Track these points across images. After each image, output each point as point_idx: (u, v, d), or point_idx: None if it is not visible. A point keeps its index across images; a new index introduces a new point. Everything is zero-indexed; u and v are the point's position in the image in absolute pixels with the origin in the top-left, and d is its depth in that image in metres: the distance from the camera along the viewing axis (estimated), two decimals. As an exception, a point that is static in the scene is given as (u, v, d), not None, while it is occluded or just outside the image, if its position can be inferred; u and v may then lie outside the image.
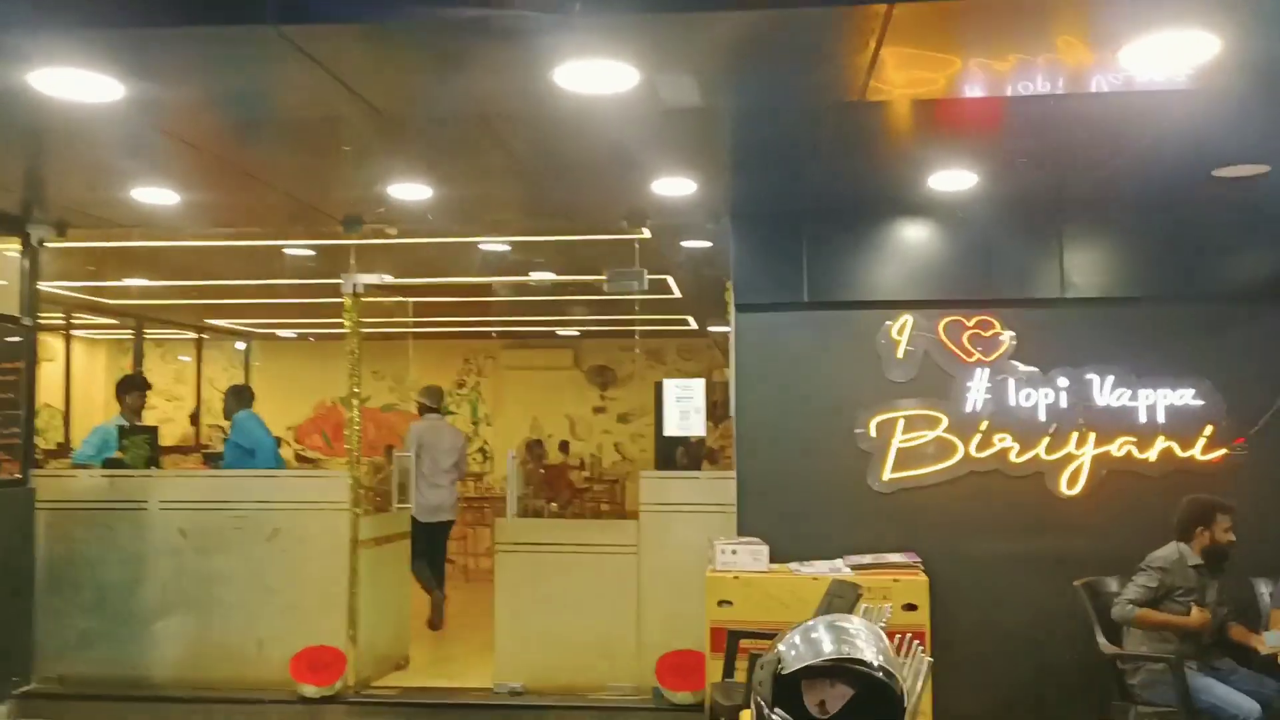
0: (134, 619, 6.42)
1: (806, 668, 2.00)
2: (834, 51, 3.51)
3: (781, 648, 2.07)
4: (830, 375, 5.93)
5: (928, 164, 5.05)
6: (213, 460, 8.57)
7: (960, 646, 5.46)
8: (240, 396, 7.63)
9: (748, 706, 4.76)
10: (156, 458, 7.04)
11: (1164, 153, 4.82)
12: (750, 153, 4.92)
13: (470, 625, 8.17)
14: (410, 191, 5.58)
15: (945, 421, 5.82)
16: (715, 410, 8.33)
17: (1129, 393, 5.73)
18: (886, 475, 5.85)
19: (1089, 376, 5.76)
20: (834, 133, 4.58)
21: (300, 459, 13.30)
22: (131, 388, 7.36)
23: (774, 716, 2.00)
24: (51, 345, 11.21)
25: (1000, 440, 5.78)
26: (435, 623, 8.24)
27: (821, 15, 3.23)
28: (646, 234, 6.89)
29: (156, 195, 5.68)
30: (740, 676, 5.13)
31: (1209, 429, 5.67)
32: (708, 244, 6.95)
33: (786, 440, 5.94)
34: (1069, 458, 5.74)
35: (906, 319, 5.87)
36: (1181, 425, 5.69)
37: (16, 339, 6.38)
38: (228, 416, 7.62)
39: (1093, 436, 5.73)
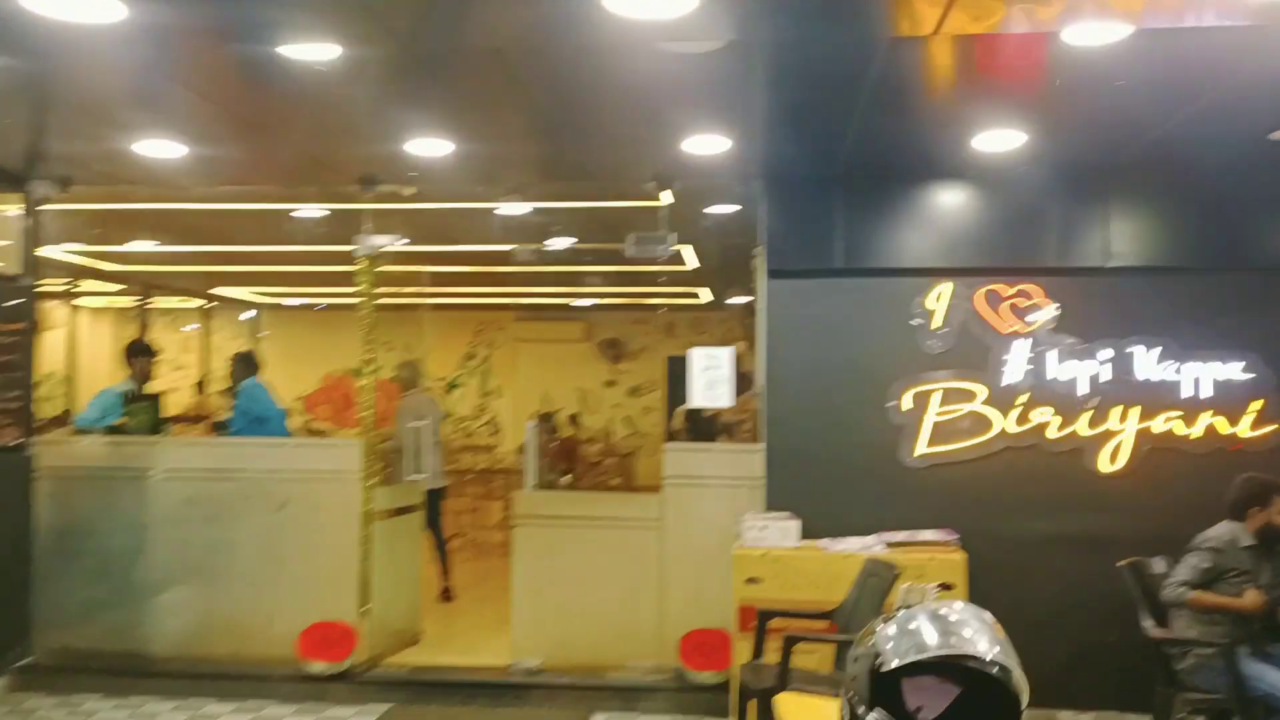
0: (137, 590, 6.23)
1: (913, 663, 1.76)
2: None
3: (877, 640, 1.83)
4: (863, 345, 5.70)
5: (974, 121, 4.80)
6: (221, 429, 8.38)
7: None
8: (248, 363, 7.43)
9: (780, 689, 4.58)
10: (161, 424, 6.84)
11: (1220, 114, 4.56)
12: (790, 106, 4.67)
13: (484, 600, 7.98)
14: (429, 147, 5.33)
15: (982, 394, 5.60)
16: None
17: (1174, 365, 5.50)
18: (920, 450, 5.63)
19: (1132, 349, 5.53)
20: (879, 83, 4.31)
21: (309, 430, 13.12)
22: (140, 352, 7.16)
23: (873, 717, 1.77)
24: (57, 313, 11.00)
25: (1039, 415, 5.55)
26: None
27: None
28: (668, 199, 6.65)
29: (161, 148, 5.44)
30: (770, 657, 4.93)
31: (1258, 404, 5.44)
32: (735, 208, 6.70)
33: (817, 412, 5.72)
34: (1110, 433, 5.52)
35: (944, 287, 5.64)
36: (1228, 400, 5.46)
37: (18, 300, 6.16)
38: (234, 383, 7.41)
39: (1135, 411, 5.51)
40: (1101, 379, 5.52)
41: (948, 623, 1.81)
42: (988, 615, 1.87)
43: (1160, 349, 5.50)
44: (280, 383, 8.05)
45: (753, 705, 4.75)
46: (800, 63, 4.17)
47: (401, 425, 7.66)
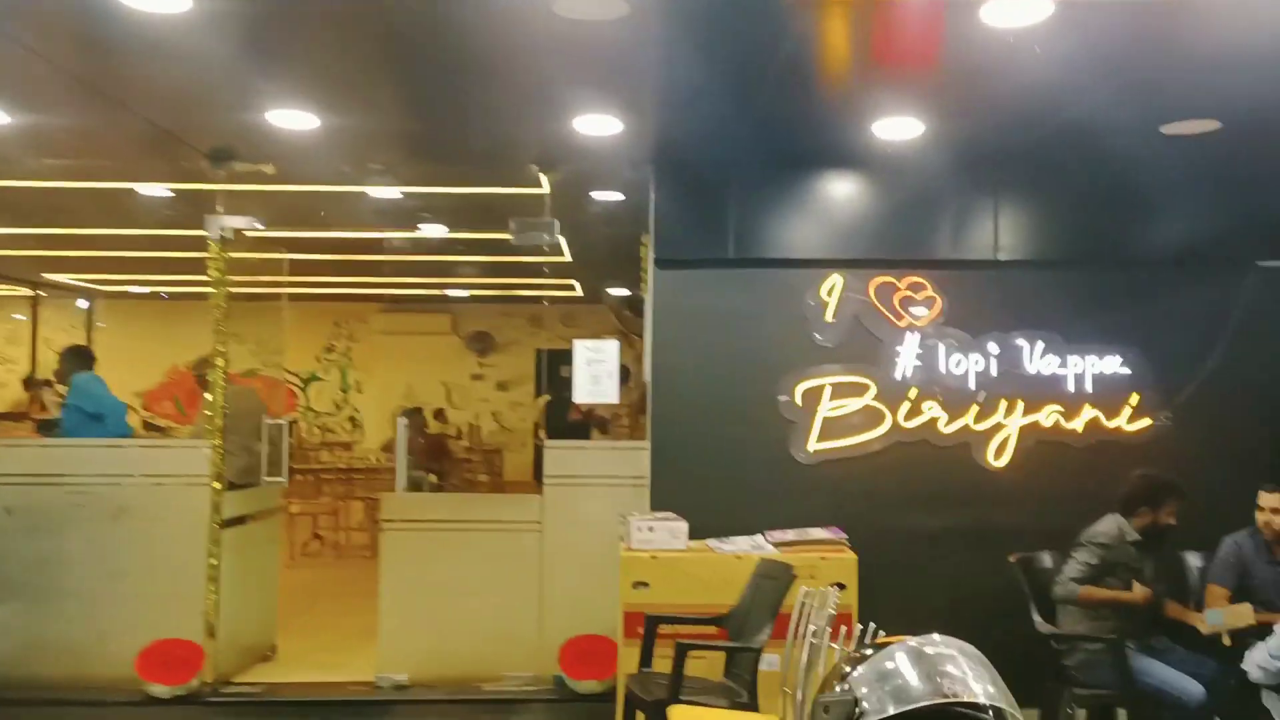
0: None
1: (901, 715, 1.50)
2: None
3: (851, 686, 1.56)
4: (754, 338, 5.51)
5: (876, 107, 4.64)
6: (47, 429, 7.63)
7: (885, 625, 5.11)
8: (79, 357, 6.74)
9: (672, 700, 4.33)
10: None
11: (1116, 106, 4.54)
12: (688, 86, 4.40)
13: (346, 609, 7.49)
14: (291, 119, 4.86)
15: (874, 389, 5.48)
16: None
17: (1058, 360, 5.50)
18: (812, 446, 5.48)
19: (1019, 343, 5.51)
20: (784, 64, 4.10)
21: (149, 427, 12.24)
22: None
23: None
24: None
25: (929, 409, 5.47)
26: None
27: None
28: (550, 185, 6.34)
29: (-21, 114, 4.81)
30: (660, 665, 4.68)
31: (1135, 398, 5.49)
32: (620, 196, 6.43)
33: (706, 408, 5.50)
34: (997, 427, 5.48)
35: (836, 279, 5.50)
36: (1109, 394, 5.50)
37: None
38: (63, 380, 6.72)
39: (1021, 405, 5.48)
40: (990, 373, 5.48)
41: (930, 661, 1.57)
42: (968, 647, 1.63)
43: (1044, 343, 5.49)
44: (119, 377, 7.38)
45: (641, 717, 4.49)
46: (703, 38, 3.91)
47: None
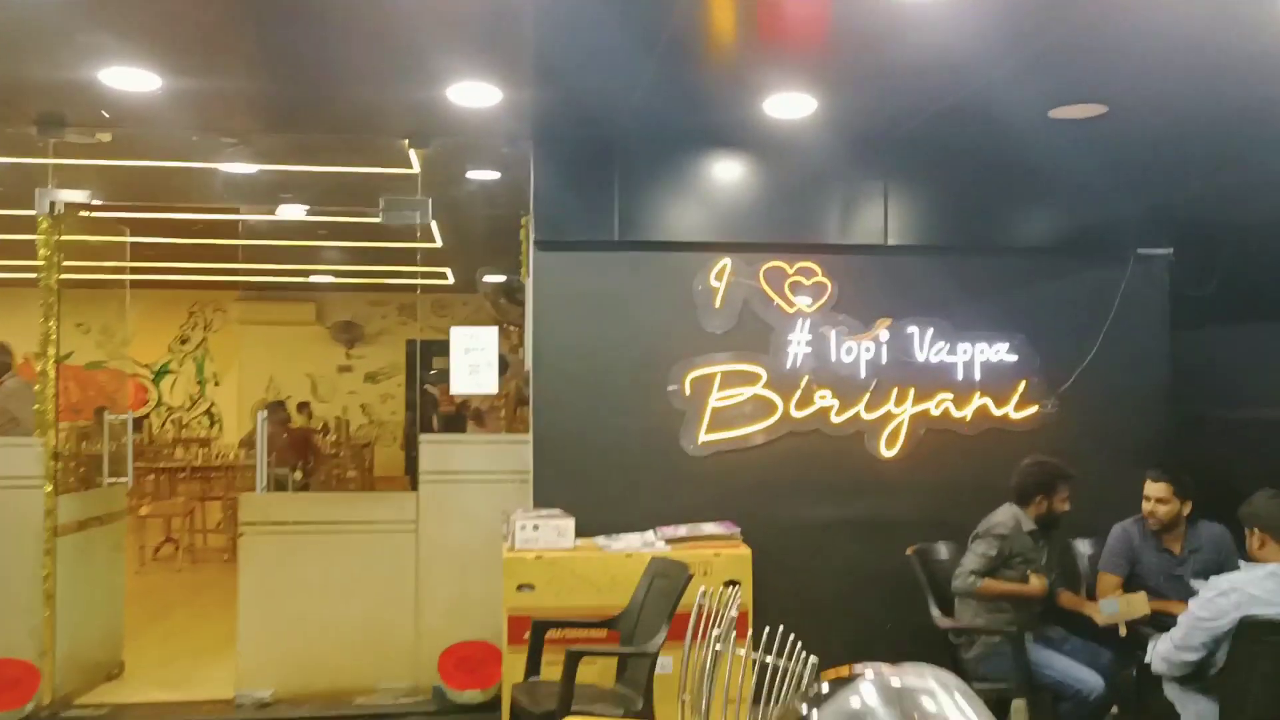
0: None
1: None
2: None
3: None
4: (642, 325, 5.26)
5: (767, 83, 4.42)
6: None
7: (779, 619, 4.94)
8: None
9: (563, 711, 4.05)
10: None
11: (1007, 88, 4.44)
12: (575, 53, 4.10)
13: (203, 618, 6.97)
14: (130, 79, 4.35)
15: (764, 377, 5.30)
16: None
17: (948, 347, 5.43)
18: (702, 437, 5.26)
19: (910, 330, 5.41)
20: (676, 32, 3.85)
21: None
22: None
23: None
24: None
25: (821, 398, 5.33)
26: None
27: None
28: (421, 163, 5.96)
29: None
30: (548, 673, 4.40)
31: (1022, 385, 5.46)
32: (496, 174, 6.08)
33: (591, 398, 5.23)
34: (888, 416, 5.38)
35: (726, 263, 5.29)
36: (997, 382, 5.45)
37: None
38: None
39: (911, 393, 5.39)
40: (881, 361, 5.37)
41: (904, 698, 1.33)
42: (940, 673, 1.41)
43: (934, 330, 5.41)
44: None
45: (529, 729, 4.21)
46: (589, 2, 3.62)
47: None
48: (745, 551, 4.84)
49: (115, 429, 5.77)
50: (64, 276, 5.41)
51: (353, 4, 3.62)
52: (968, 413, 5.41)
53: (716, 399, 5.27)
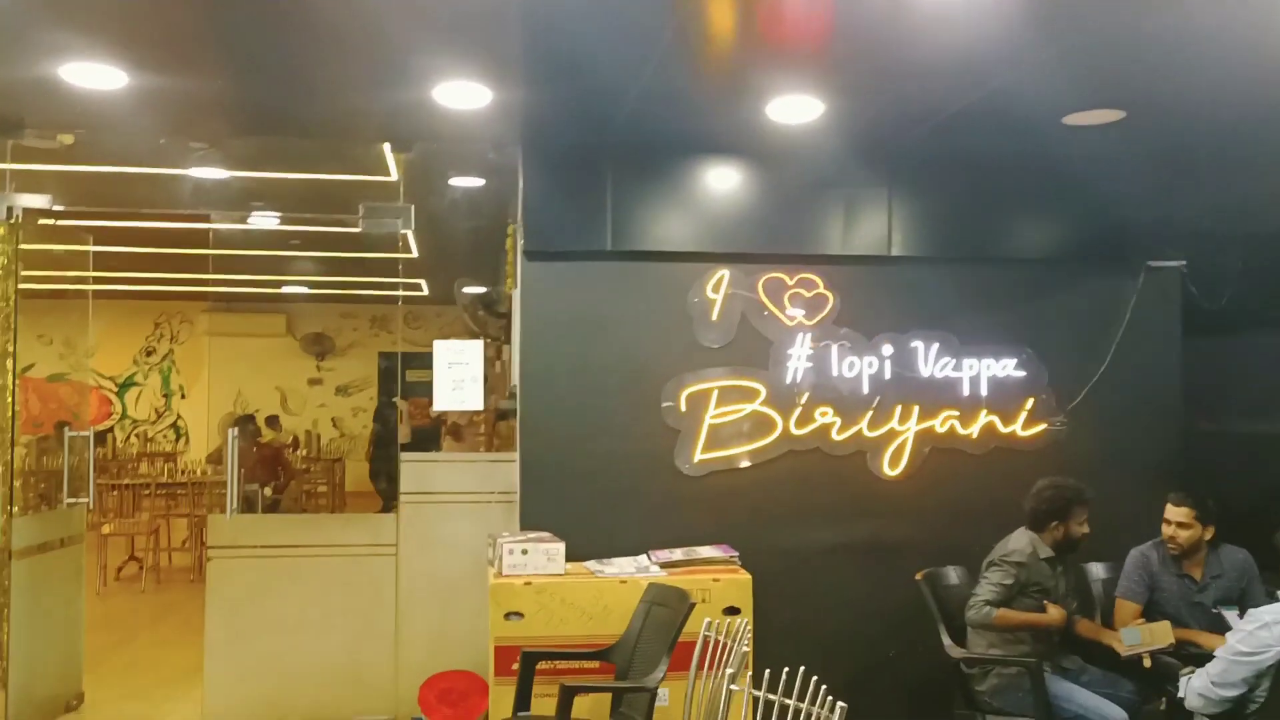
0: None
1: None
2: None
3: None
4: (635, 338, 5.01)
5: (769, 84, 4.19)
6: None
7: (778, 649, 4.70)
8: None
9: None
10: None
11: (1017, 93, 4.25)
12: (570, 54, 3.85)
13: (168, 644, 6.63)
14: (94, 75, 4.06)
15: (763, 393, 5.07)
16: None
17: (953, 362, 5.22)
18: (698, 456, 5.02)
19: (914, 344, 5.20)
20: (677, 32, 3.62)
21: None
22: None
23: None
24: None
25: (822, 415, 5.10)
26: None
27: None
28: (401, 170, 5.72)
29: None
30: (541, 708, 4.13)
31: (1030, 402, 5.26)
32: (480, 182, 5.82)
33: (582, 415, 4.97)
34: (892, 434, 5.16)
35: (723, 274, 5.06)
36: (1004, 398, 5.25)
37: None
38: None
39: (916, 410, 5.17)
40: (884, 376, 5.15)
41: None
42: None
43: (939, 345, 5.20)
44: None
45: (519, 770, 3.94)
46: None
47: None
48: (745, 577, 4.60)
49: (76, 445, 5.44)
50: (24, 286, 5.11)
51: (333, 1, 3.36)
52: (974, 430, 5.20)
53: (713, 416, 5.03)
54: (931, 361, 5.19)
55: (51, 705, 5.33)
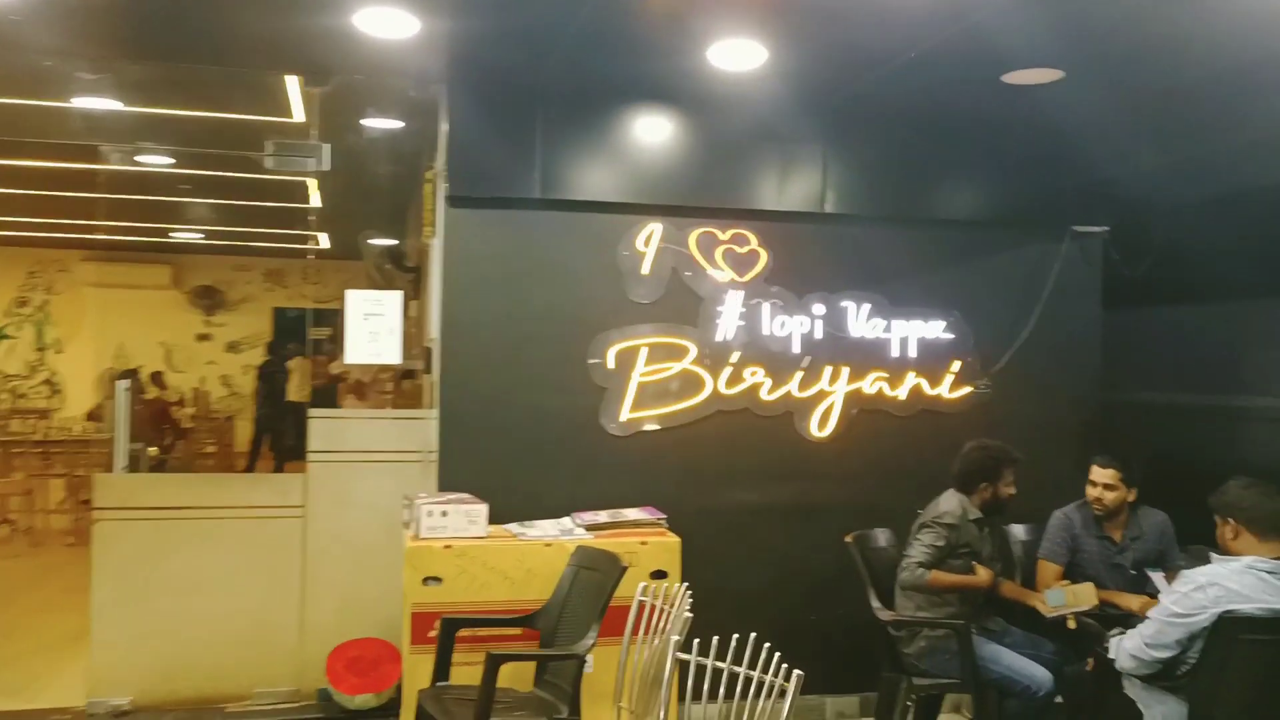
0: None
1: None
2: None
3: None
4: (562, 292, 4.80)
5: (714, 25, 4.00)
6: None
7: (703, 613, 4.60)
8: None
9: (483, 722, 3.59)
10: None
11: (959, 50, 4.16)
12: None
13: (47, 612, 6.21)
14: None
15: (693, 351, 4.92)
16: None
17: (883, 323, 5.15)
18: (625, 415, 4.85)
19: (845, 304, 5.11)
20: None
21: None
22: None
23: None
24: None
25: (752, 375, 4.98)
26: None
27: None
28: (302, 116, 5.39)
29: None
30: (461, 677, 3.93)
31: (956, 365, 5.24)
32: (398, 124, 5.50)
33: (505, 371, 4.75)
34: (821, 395, 5.07)
35: (655, 227, 4.87)
36: (931, 360, 5.21)
37: None
38: None
39: (845, 371, 5.10)
40: (815, 336, 5.05)
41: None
42: None
43: (870, 305, 5.13)
44: None
45: (440, 742, 3.73)
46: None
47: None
48: (674, 540, 4.46)
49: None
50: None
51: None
52: (901, 392, 5.16)
53: (642, 374, 4.86)
54: (862, 322, 5.11)
55: (-84, 678, 4.92)
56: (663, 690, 3.06)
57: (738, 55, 4.25)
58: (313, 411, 4.95)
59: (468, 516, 4.35)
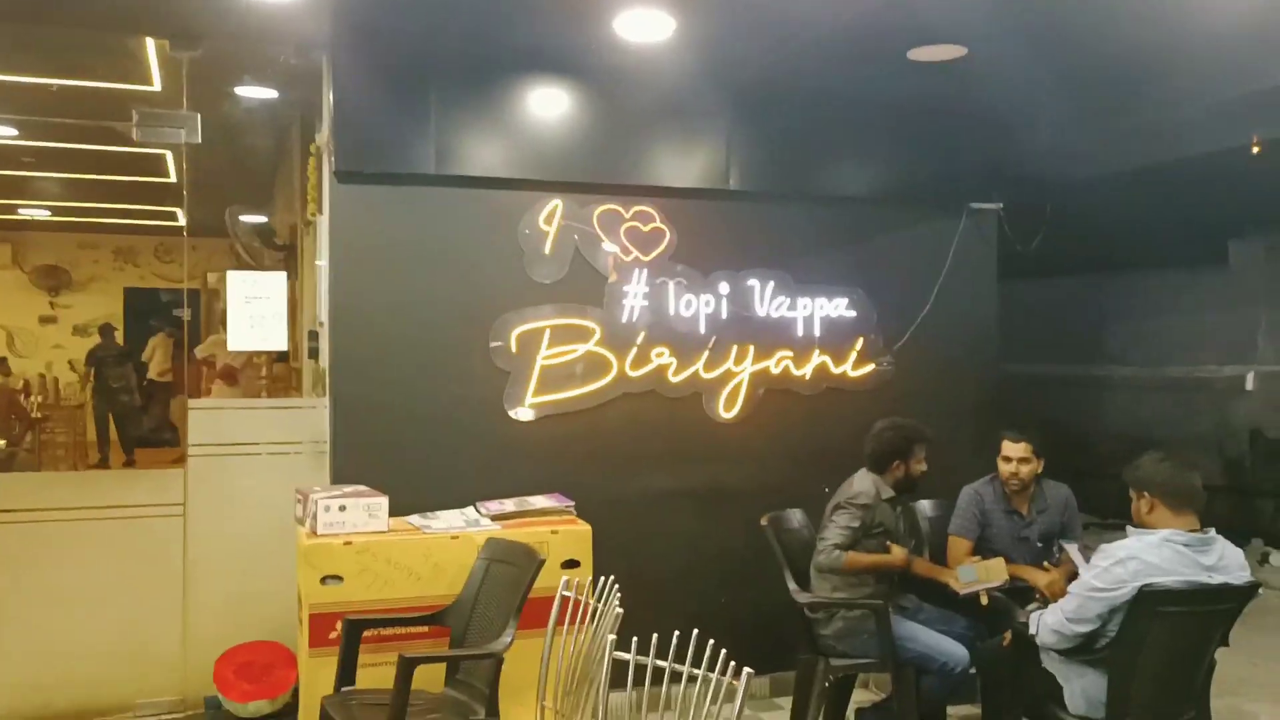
0: None
1: None
2: None
3: None
4: (461, 272, 4.57)
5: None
6: None
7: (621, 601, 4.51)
8: None
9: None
10: None
11: (867, 26, 4.11)
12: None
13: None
14: None
15: (598, 333, 4.77)
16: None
17: (788, 301, 5.10)
18: (529, 400, 4.67)
19: (751, 283, 5.03)
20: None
21: None
22: None
23: None
24: None
25: (658, 356, 4.86)
26: None
27: None
28: (158, 85, 4.99)
29: None
30: (367, 680, 3.71)
31: (860, 342, 5.24)
32: (272, 93, 5.14)
33: (402, 356, 4.49)
34: (728, 375, 4.99)
35: (556, 204, 4.68)
36: (836, 338, 5.19)
37: None
38: None
39: (751, 350, 5.03)
40: (720, 315, 4.96)
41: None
42: None
43: (774, 283, 5.07)
44: None
45: (346, 751, 3.51)
46: None
47: None
48: (585, 528, 4.32)
49: None
50: None
51: None
52: (807, 371, 5.12)
53: (545, 357, 4.68)
54: (767, 301, 5.05)
55: None
56: (600, 691, 2.92)
57: (645, 25, 4.10)
58: (192, 402, 4.59)
59: (368, 510, 4.10)
